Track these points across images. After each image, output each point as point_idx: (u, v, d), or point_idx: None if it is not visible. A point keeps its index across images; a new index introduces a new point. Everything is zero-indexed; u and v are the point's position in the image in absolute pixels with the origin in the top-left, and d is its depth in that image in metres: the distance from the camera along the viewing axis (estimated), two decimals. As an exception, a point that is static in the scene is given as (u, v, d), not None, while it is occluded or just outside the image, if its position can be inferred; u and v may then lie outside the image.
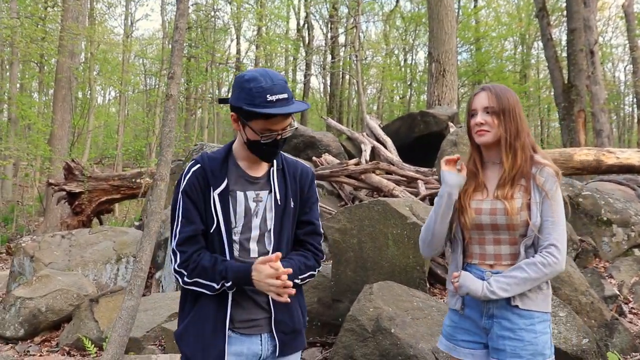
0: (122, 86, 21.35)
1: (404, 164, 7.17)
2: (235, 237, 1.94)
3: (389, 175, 6.88)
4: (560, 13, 20.35)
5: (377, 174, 6.74)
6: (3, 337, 5.86)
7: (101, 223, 12.62)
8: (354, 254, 4.49)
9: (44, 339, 5.87)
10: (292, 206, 2.01)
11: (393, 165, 7.06)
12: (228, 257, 1.91)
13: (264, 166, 2.02)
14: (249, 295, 1.92)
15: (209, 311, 1.89)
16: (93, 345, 5.01)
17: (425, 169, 7.01)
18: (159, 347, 4.96)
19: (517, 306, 2.03)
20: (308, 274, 2.03)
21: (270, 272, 1.80)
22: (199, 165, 1.94)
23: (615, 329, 4.53)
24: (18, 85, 25.94)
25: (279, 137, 1.89)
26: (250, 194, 1.95)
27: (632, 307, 5.39)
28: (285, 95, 1.84)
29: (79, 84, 20.89)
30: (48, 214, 14.56)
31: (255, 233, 1.95)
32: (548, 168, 2.06)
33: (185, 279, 1.90)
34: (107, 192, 11.81)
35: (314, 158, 7.39)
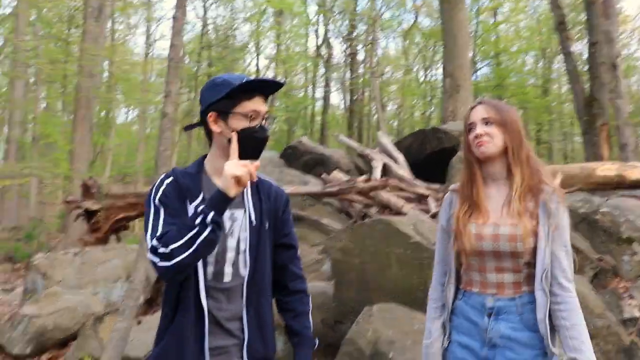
0: (141, 105, 21.62)
1: (415, 180, 7.02)
2: (210, 259, 1.82)
3: (400, 192, 6.74)
4: (581, 26, 20.06)
5: (387, 191, 6.61)
6: (11, 355, 5.85)
7: (119, 240, 12.68)
8: (356, 274, 4.36)
9: (51, 356, 5.86)
10: (267, 227, 1.92)
11: (404, 181, 6.92)
12: (201, 282, 1.78)
13: None
14: (221, 322, 1.81)
15: (188, 334, 1.76)
16: (95, 365, 4.96)
17: (437, 186, 6.85)
18: (160, 369, 4.87)
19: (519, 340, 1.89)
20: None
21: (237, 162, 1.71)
22: (171, 179, 1.82)
23: (634, 354, 4.31)
24: (44, 104, 26.53)
25: (265, 120, 1.83)
26: (225, 213, 1.81)
27: (652, 330, 5.13)
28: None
29: (100, 103, 21.24)
30: (67, 231, 14.70)
31: (230, 255, 1.85)
32: (558, 192, 1.93)
33: (161, 260, 1.65)
34: (123, 210, 11.84)
35: (323, 175, 7.29)
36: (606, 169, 10.00)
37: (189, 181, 1.82)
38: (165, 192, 1.79)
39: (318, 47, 26.36)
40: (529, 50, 26.39)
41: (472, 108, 2.05)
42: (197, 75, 21.19)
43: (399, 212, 6.17)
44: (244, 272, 1.84)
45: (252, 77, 1.83)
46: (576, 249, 5.96)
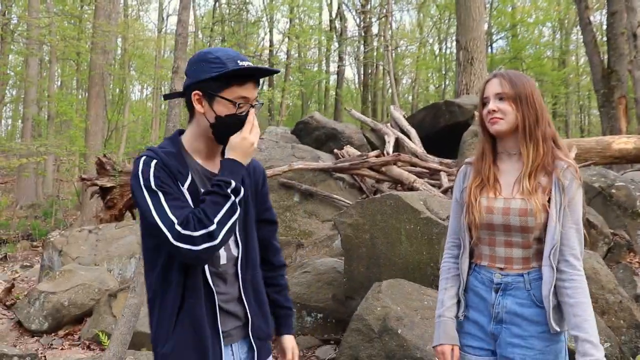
0: (155, 81, 21.62)
1: (427, 155, 6.96)
2: None
3: (412, 167, 6.69)
4: (600, -4, 19.59)
5: (399, 166, 6.56)
6: (29, 330, 5.98)
7: (134, 217, 12.80)
8: (367, 249, 4.35)
9: (67, 332, 5.96)
10: (251, 203, 1.87)
11: (416, 156, 6.87)
12: (207, 265, 1.71)
13: (218, 161, 1.80)
14: (223, 306, 1.76)
15: (203, 322, 1.69)
16: (109, 340, 5.04)
17: (449, 160, 6.79)
18: (173, 343, 4.94)
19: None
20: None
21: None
22: (156, 160, 1.65)
23: (646, 329, 4.26)
24: (59, 82, 26.66)
25: (253, 107, 1.73)
26: None
27: (667, 305, 5.08)
28: (250, 63, 1.71)
29: (115, 80, 21.29)
30: (84, 209, 14.88)
31: None
32: (572, 168, 1.87)
33: (197, 244, 1.55)
34: (138, 187, 11.89)
35: (335, 150, 7.25)
36: (623, 142, 9.86)
37: (174, 162, 1.69)
38: (157, 175, 1.63)
39: (332, 21, 26.07)
40: (546, 21, 25.89)
41: (487, 81, 2.00)
42: (210, 50, 21.01)
43: (411, 188, 6.13)
44: (236, 251, 1.79)
45: (247, 62, 1.69)
46: (590, 224, 5.91)
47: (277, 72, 1.87)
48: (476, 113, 8.24)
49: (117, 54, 22.93)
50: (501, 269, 1.92)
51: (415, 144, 7.53)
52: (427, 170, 6.53)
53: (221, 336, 1.71)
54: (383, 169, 6.46)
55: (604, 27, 16.22)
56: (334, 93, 24.56)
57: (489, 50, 25.78)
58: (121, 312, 3.67)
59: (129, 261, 7.54)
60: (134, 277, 3.75)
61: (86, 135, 15.68)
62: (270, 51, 25.77)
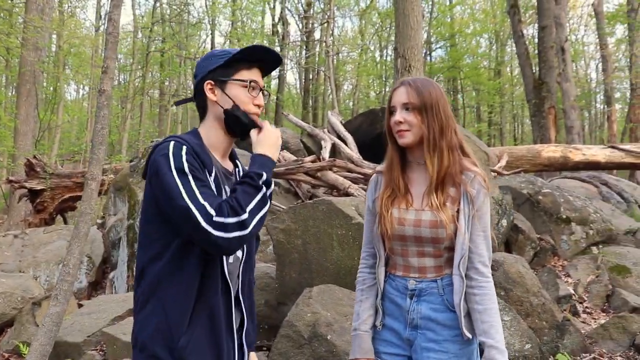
0: (91, 81, 20.92)
1: (363, 161, 7.03)
2: None
3: (348, 173, 6.73)
4: (532, 10, 20.41)
5: (334, 172, 6.59)
6: (-57, 343, 5.61)
7: (65, 221, 12.34)
8: (299, 255, 4.33)
9: (-15, 344, 5.64)
10: None
11: (352, 162, 6.92)
12: (225, 260, 1.67)
13: (228, 162, 1.83)
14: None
15: (219, 313, 1.65)
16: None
17: (385, 167, 6.86)
18: (100, 353, 4.76)
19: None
20: None
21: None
22: (186, 147, 1.60)
23: (566, 330, 4.45)
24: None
25: (264, 92, 1.78)
26: (228, 190, 1.72)
27: (586, 307, 5.32)
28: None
29: (48, 78, 20.44)
30: (11, 212, 14.19)
31: None
32: (479, 177, 1.90)
33: (230, 231, 1.50)
34: (70, 190, 11.49)
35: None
36: (551, 150, 10.32)
37: (202, 152, 1.65)
38: (189, 160, 1.57)
39: (274, 25, 26.02)
40: (483, 32, 26.78)
41: (394, 89, 1.99)
42: (149, 51, 20.59)
43: (346, 193, 6.17)
44: (240, 253, 1.77)
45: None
46: (518, 229, 6.12)
47: (280, 61, 1.85)
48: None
49: (51, 52, 22.04)
50: (416, 277, 1.94)
51: (351, 150, 7.58)
52: (362, 176, 6.58)
53: (235, 333, 1.69)
54: (319, 174, 6.47)
55: (536, 40, 16.89)
56: (275, 97, 24.49)
57: (429, 58, 26.41)
58: (41, 321, 3.50)
59: (57, 267, 7.24)
60: (57, 284, 3.59)
61: (15, 135, 14.98)
62: (212, 53, 25.42)
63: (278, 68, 1.96)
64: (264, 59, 1.78)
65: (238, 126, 1.73)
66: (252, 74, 1.74)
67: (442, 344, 1.89)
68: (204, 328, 1.61)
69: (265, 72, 1.83)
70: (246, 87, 1.72)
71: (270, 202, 1.64)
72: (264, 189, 1.60)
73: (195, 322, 1.60)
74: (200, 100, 1.77)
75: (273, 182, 1.66)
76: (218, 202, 1.52)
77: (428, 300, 1.92)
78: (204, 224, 1.47)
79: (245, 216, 1.51)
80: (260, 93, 1.77)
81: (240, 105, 1.72)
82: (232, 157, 1.86)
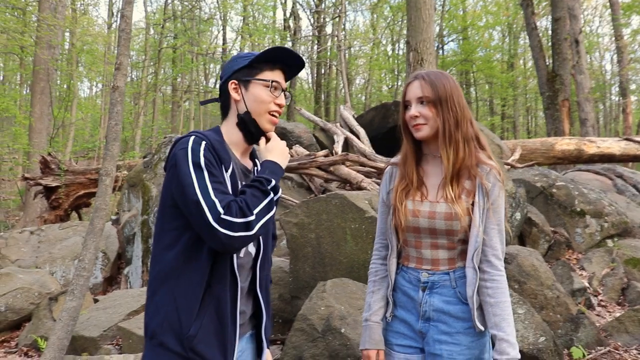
0: (104, 78, 21.06)
1: (376, 155, 7.01)
2: None
3: (360, 167, 6.73)
4: (546, 2, 20.21)
5: (347, 166, 6.59)
6: (-37, 338, 5.71)
7: (80, 218, 12.46)
8: (312, 249, 4.35)
9: (4, 339, 5.71)
10: None
11: (364, 156, 6.91)
12: (235, 254, 1.72)
13: (248, 160, 1.90)
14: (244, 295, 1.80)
15: (226, 306, 1.69)
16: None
17: (398, 160, 6.85)
18: (116, 347, 4.82)
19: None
20: None
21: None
22: (205, 142, 1.66)
23: (580, 323, 4.43)
24: (1, 77, 25.63)
25: (285, 93, 1.85)
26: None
27: (601, 300, 5.29)
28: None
29: (62, 76, 20.62)
30: (27, 209, 14.35)
31: None
32: (494, 171, 1.90)
33: (235, 230, 1.54)
34: (84, 186, 11.60)
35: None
36: (565, 143, 10.24)
37: (221, 149, 1.71)
38: (206, 156, 1.63)
39: (285, 20, 26.01)
40: (495, 25, 26.54)
41: (408, 84, 1.99)
42: (160, 47, 20.68)
43: (359, 187, 6.17)
44: (253, 249, 1.82)
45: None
46: (532, 223, 6.09)
47: (303, 65, 1.90)
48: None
49: (64, 49, 22.21)
50: (428, 270, 1.95)
51: (364, 144, 7.57)
52: (375, 170, 6.57)
53: (238, 326, 1.72)
54: (331, 168, 6.47)
55: (550, 32, 16.74)
56: (288, 92, 24.42)
57: (441, 52, 26.26)
58: (58, 316, 3.55)
59: (72, 263, 7.31)
60: (73, 279, 3.63)
61: (30, 133, 15.14)
62: (224, 49, 25.52)
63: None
64: (286, 61, 1.84)
65: (247, 132, 1.80)
66: (274, 75, 1.81)
67: (454, 336, 1.89)
68: (212, 318, 1.66)
69: (289, 75, 1.89)
70: (268, 86, 1.79)
71: (276, 208, 1.70)
72: (272, 194, 1.66)
73: (204, 312, 1.65)
74: (224, 99, 1.84)
75: (280, 190, 1.73)
76: (228, 201, 1.57)
77: (440, 293, 1.93)
78: (211, 219, 1.52)
79: (252, 218, 1.57)
80: (282, 94, 1.83)
81: (262, 104, 1.79)
82: (252, 156, 1.93)
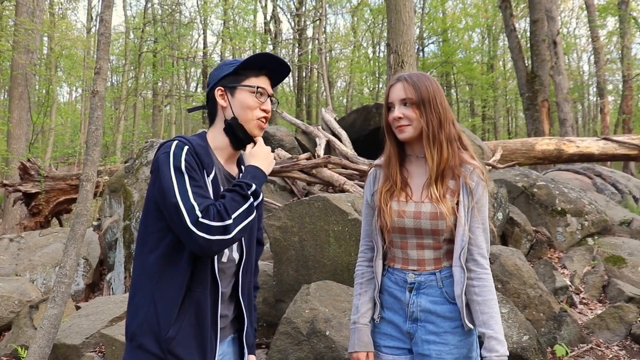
0: (84, 83, 20.84)
1: (358, 157, 7.03)
2: None
3: (343, 170, 6.74)
4: (524, 4, 20.45)
5: (329, 168, 6.59)
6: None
7: (61, 224, 12.30)
8: (295, 252, 4.34)
9: (-17, 348, 5.62)
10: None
11: (346, 159, 6.92)
12: (216, 258, 1.72)
13: (234, 166, 1.91)
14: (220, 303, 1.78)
15: (206, 310, 1.69)
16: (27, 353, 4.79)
17: (380, 163, 6.87)
18: (99, 354, 4.76)
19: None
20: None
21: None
22: (188, 147, 1.67)
23: (563, 321, 4.48)
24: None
25: (272, 99, 1.85)
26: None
27: (582, 298, 5.36)
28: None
29: (40, 81, 20.36)
30: (6, 216, 14.14)
31: None
32: (478, 170, 1.93)
33: (213, 234, 1.55)
34: (65, 192, 11.45)
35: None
36: (545, 143, 10.35)
37: (204, 153, 1.73)
38: (187, 160, 1.64)
39: (266, 23, 25.98)
40: (475, 27, 26.78)
41: (391, 86, 2.01)
42: (141, 51, 20.53)
43: (341, 189, 6.18)
44: (236, 255, 1.83)
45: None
46: (514, 222, 6.14)
47: (288, 71, 1.92)
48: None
49: (43, 54, 21.94)
50: (414, 270, 1.96)
51: (346, 146, 7.58)
52: (357, 172, 6.59)
53: (218, 330, 1.72)
54: (314, 171, 6.47)
55: (528, 34, 16.93)
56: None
57: (421, 54, 26.43)
58: (39, 324, 3.50)
59: (53, 270, 7.21)
60: (54, 286, 3.58)
61: (8, 139, 14.94)
62: (204, 53, 25.42)
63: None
64: (271, 67, 1.86)
65: (235, 137, 1.81)
66: (260, 81, 1.83)
67: (442, 335, 1.90)
68: (191, 322, 1.67)
69: (275, 81, 1.91)
70: (254, 92, 1.80)
71: (257, 212, 1.71)
72: (252, 199, 1.67)
73: (183, 315, 1.66)
74: (211, 106, 1.87)
75: (262, 195, 1.74)
76: (207, 204, 1.58)
77: (427, 293, 1.94)
78: (188, 222, 1.54)
79: (229, 222, 1.58)
80: (269, 99, 1.84)
81: (248, 110, 1.80)
82: (239, 163, 1.93)
